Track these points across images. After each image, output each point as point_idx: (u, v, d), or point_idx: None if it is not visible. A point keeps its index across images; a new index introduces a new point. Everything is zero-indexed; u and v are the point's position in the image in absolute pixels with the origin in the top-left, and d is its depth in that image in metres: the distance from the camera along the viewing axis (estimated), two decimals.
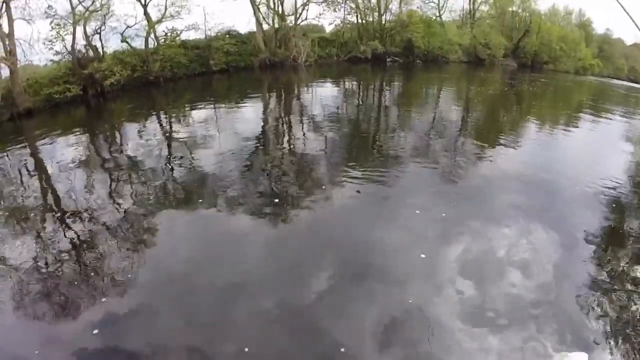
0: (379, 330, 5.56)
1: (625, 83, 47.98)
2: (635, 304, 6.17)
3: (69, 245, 7.96)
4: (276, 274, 6.88)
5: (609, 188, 10.27)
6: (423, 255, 7.22)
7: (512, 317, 5.79)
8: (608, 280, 6.76)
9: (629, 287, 6.64)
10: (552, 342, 5.34)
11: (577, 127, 17.75)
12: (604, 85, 39.55)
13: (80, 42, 24.46)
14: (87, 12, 24.11)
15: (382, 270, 6.85)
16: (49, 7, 22.83)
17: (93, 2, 24.52)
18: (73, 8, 23.60)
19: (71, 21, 23.42)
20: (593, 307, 6.03)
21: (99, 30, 25.16)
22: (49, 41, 23.24)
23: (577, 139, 15.52)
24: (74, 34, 23.62)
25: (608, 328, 5.66)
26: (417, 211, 8.70)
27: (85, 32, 24.42)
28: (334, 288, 6.42)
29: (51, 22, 23.13)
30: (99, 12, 24.73)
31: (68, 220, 8.99)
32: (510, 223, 8.32)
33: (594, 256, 7.41)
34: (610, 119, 19.74)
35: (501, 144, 13.85)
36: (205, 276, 6.87)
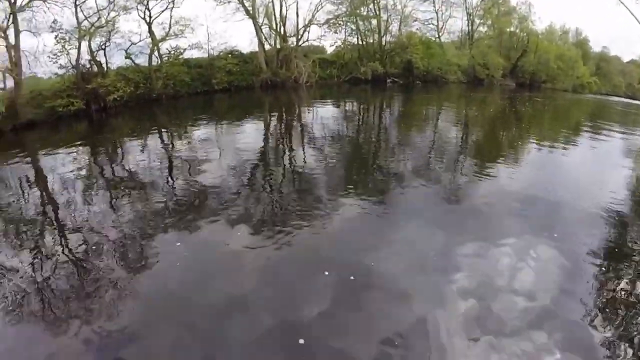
0: (376, 350, 5.55)
1: (623, 100, 48.61)
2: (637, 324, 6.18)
3: (66, 260, 7.84)
4: (275, 294, 6.80)
5: (610, 204, 10.25)
6: (424, 276, 7.20)
7: (514, 333, 5.80)
8: (611, 299, 6.73)
9: (632, 306, 6.61)
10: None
11: (577, 145, 17.76)
12: (602, 102, 39.88)
13: (85, 57, 24.82)
14: (93, 28, 24.45)
15: (382, 290, 6.81)
16: (54, 21, 23.15)
17: (99, 18, 24.94)
18: (79, 23, 23.99)
19: (76, 36, 23.72)
20: (596, 327, 5.98)
21: (103, 46, 25.55)
22: (54, 54, 23.51)
23: (576, 157, 15.53)
24: (79, 48, 23.94)
25: (610, 348, 5.63)
26: (417, 232, 8.73)
27: (90, 47, 24.77)
28: (332, 308, 6.36)
29: (56, 36, 23.41)
30: (104, 28, 25.13)
31: (66, 235, 8.90)
32: (512, 243, 8.24)
33: (597, 275, 7.34)
34: (610, 136, 19.86)
35: (501, 164, 13.85)
36: (204, 295, 6.77)
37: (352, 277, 7.16)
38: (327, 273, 7.21)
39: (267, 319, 6.11)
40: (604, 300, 6.70)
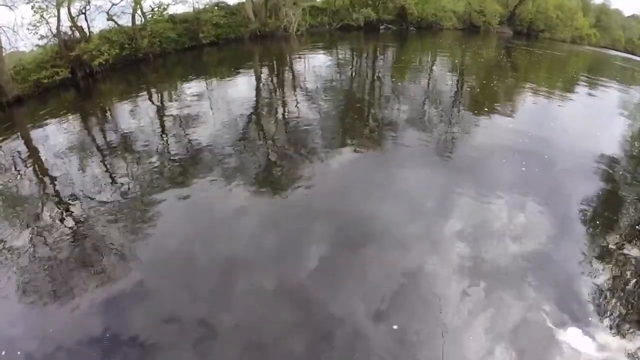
0: (374, 300, 5.68)
1: (622, 54, 47.42)
2: (627, 275, 6.36)
3: (68, 229, 7.98)
4: (274, 246, 6.98)
5: (603, 158, 10.44)
6: (419, 225, 7.42)
7: (507, 281, 6.02)
8: (601, 251, 6.88)
9: (622, 258, 6.77)
10: (545, 309, 5.57)
11: (573, 97, 17.61)
12: (601, 55, 39.15)
13: (66, 24, 23.66)
14: None
15: (378, 239, 6.99)
16: None
17: None
18: None
19: (54, 3, 22.62)
20: (586, 277, 6.18)
21: (83, 11, 24.34)
22: (33, 26, 22.51)
23: (572, 110, 15.38)
24: (58, 16, 22.81)
25: (600, 298, 5.81)
26: (413, 181, 8.88)
27: (69, 13, 23.62)
28: (331, 257, 6.54)
29: (33, 7, 22.33)
30: None
31: (65, 205, 9.00)
32: (505, 194, 8.39)
33: (588, 228, 7.56)
34: (607, 90, 19.66)
35: (496, 114, 13.81)
36: (204, 251, 6.96)
37: (350, 226, 7.42)
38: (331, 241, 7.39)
39: (266, 273, 6.30)
40: (596, 251, 6.88)
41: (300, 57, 25.96)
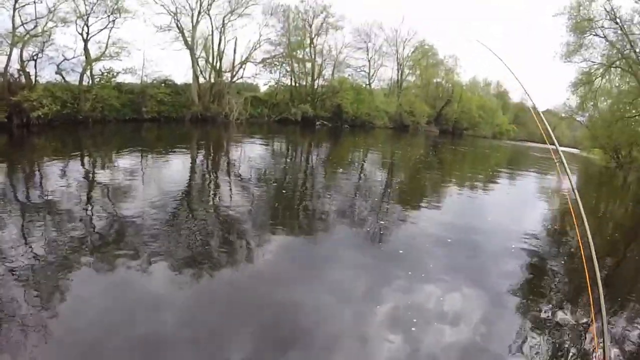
0: None
1: (538, 145, 53.46)
2: (561, 347, 6.74)
3: None
4: (196, 336, 6.59)
5: (527, 239, 11.54)
6: (348, 314, 7.32)
7: None
8: (534, 326, 7.18)
9: (554, 331, 7.12)
10: None
11: (496, 187, 19.91)
12: (519, 148, 43.59)
13: (14, 66, 24.07)
14: (27, 36, 23.87)
15: (307, 333, 6.81)
16: None
17: (35, 26, 24.48)
18: (14, 28, 23.37)
19: (9, 41, 23.06)
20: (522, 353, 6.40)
21: (35, 57, 24.86)
22: None
23: (495, 198, 17.32)
24: (9, 55, 23.37)
25: None
26: (343, 273, 8.91)
27: (21, 56, 24.08)
28: (255, 354, 6.28)
29: None
30: (39, 37, 24.63)
31: None
32: (436, 282, 8.61)
33: (519, 306, 7.92)
34: (526, 177, 22.86)
35: (424, 206, 14.96)
36: (119, 339, 6.34)
37: (275, 318, 7.10)
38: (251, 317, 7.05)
39: None
40: (527, 332, 7.04)
41: (237, 145, 27.04)
